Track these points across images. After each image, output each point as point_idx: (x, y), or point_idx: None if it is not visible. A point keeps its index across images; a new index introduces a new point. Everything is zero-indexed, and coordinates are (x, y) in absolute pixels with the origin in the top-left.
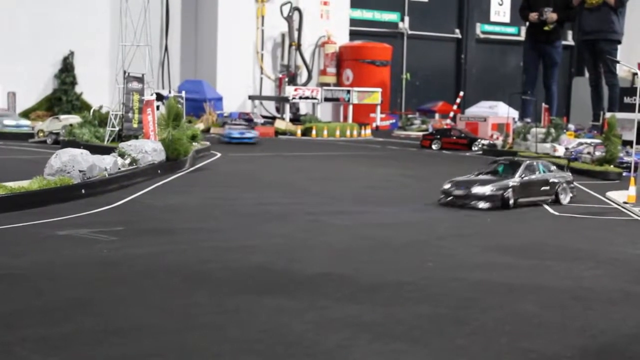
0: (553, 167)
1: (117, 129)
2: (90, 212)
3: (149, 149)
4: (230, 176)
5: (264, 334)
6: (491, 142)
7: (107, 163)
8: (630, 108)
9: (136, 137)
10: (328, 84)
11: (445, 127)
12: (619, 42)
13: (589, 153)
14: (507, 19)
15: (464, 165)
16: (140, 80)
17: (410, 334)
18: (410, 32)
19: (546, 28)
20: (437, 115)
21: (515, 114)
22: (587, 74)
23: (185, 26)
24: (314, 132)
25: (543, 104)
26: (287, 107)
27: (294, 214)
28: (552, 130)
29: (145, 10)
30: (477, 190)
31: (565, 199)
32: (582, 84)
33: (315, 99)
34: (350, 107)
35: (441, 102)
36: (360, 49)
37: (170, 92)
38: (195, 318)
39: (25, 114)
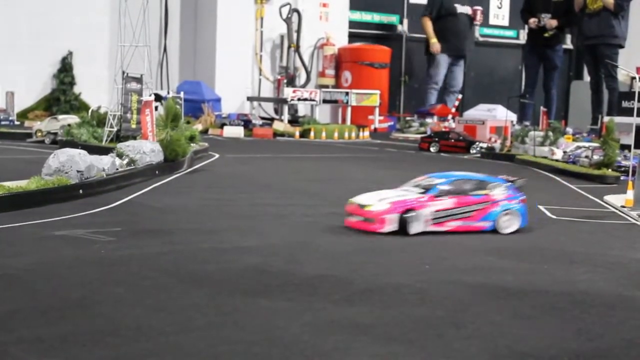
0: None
1: (115, 129)
2: (87, 213)
3: (147, 149)
4: (228, 177)
5: (261, 336)
6: (489, 145)
7: (105, 163)
8: (629, 112)
9: (134, 138)
10: (327, 86)
11: (443, 129)
12: (621, 46)
13: (587, 157)
14: (506, 22)
15: (462, 168)
16: (139, 80)
17: (407, 336)
18: (409, 34)
19: (546, 35)
20: (435, 118)
21: (513, 117)
22: (586, 78)
23: (184, 27)
24: (312, 133)
25: (541, 107)
26: (286, 108)
27: (291, 216)
28: (551, 133)
29: (144, 11)
30: None
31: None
32: (580, 88)
33: (313, 100)
34: (349, 109)
35: (440, 104)
36: (359, 51)
37: (168, 92)
38: (192, 319)
39: (24, 114)
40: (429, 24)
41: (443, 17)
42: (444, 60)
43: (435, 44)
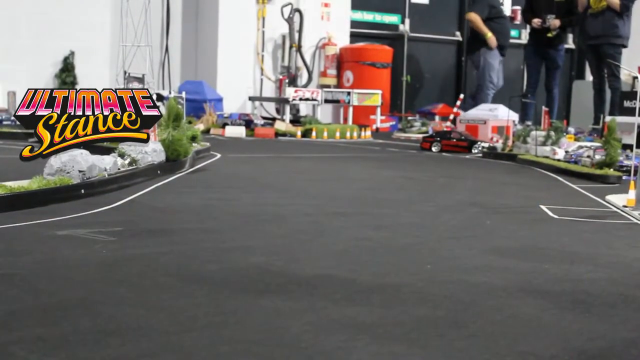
0: None
1: None
2: (89, 212)
3: (148, 149)
4: (230, 177)
5: (262, 335)
6: (491, 144)
7: (107, 163)
8: (631, 112)
9: None
10: (328, 86)
11: (445, 129)
12: (624, 46)
13: (588, 156)
14: None
15: (464, 167)
16: (141, 80)
17: (408, 336)
18: (411, 34)
19: (549, 35)
20: (437, 118)
21: (515, 116)
22: (588, 78)
23: (186, 27)
24: (314, 133)
25: (543, 107)
26: (287, 108)
27: (293, 215)
28: (552, 133)
29: (146, 11)
30: None
31: None
32: (583, 88)
33: (315, 100)
34: (351, 109)
35: (441, 104)
36: (361, 51)
37: (170, 92)
38: (193, 319)
39: None
40: (479, 20)
41: (493, 19)
42: (498, 59)
43: (492, 38)
